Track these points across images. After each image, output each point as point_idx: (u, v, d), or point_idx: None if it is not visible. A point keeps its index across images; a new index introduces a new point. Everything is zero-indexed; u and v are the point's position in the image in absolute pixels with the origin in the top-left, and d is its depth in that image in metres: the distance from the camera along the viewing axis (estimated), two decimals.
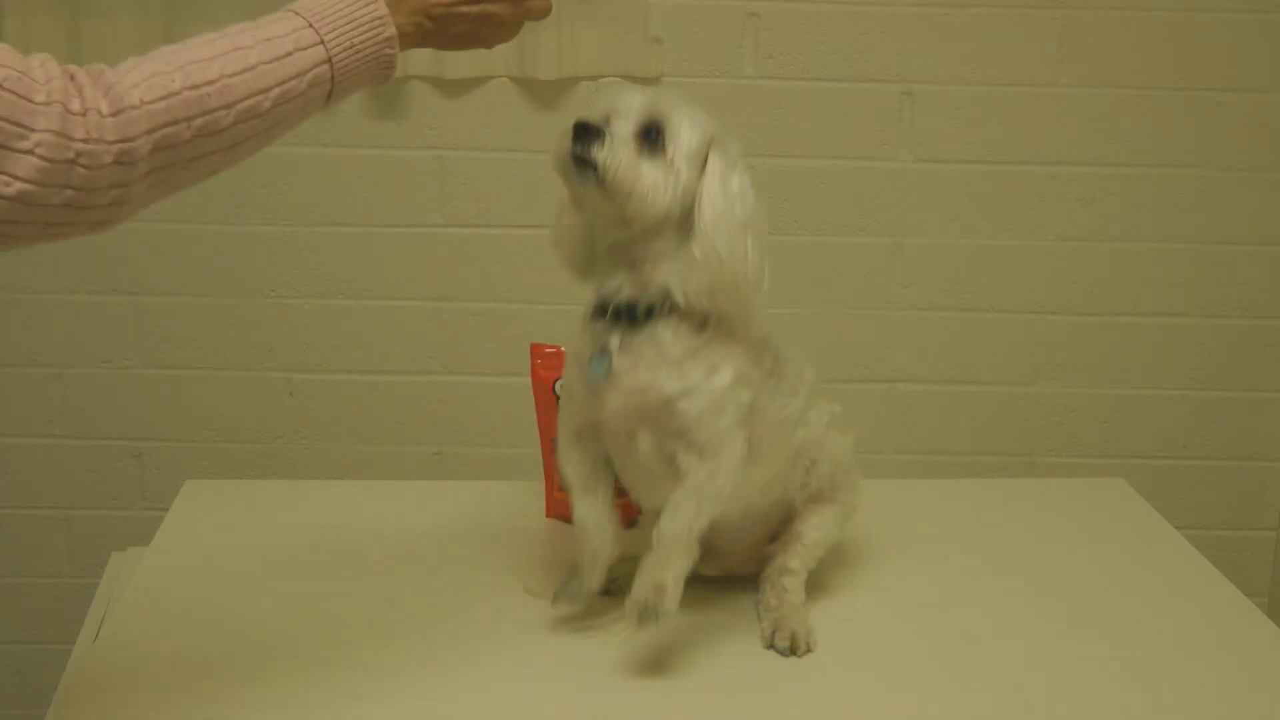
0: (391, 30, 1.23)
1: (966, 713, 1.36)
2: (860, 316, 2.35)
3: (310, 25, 1.19)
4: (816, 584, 1.58)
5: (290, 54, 1.17)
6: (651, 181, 1.33)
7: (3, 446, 2.36)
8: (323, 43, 1.19)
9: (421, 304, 2.32)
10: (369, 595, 1.54)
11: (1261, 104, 2.29)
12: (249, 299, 2.31)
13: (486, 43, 1.34)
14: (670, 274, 1.35)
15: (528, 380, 1.75)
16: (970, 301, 2.35)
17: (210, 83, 1.12)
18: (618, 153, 1.32)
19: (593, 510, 1.45)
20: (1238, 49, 2.26)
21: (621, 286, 1.38)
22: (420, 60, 2.19)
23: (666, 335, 1.36)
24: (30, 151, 1.04)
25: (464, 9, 1.29)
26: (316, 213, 2.28)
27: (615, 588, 1.54)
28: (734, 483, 1.37)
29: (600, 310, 1.39)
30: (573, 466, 1.46)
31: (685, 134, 1.34)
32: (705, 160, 1.34)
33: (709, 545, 1.50)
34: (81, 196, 1.07)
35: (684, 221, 1.34)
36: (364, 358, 2.33)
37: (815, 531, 1.51)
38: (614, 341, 1.37)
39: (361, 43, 1.22)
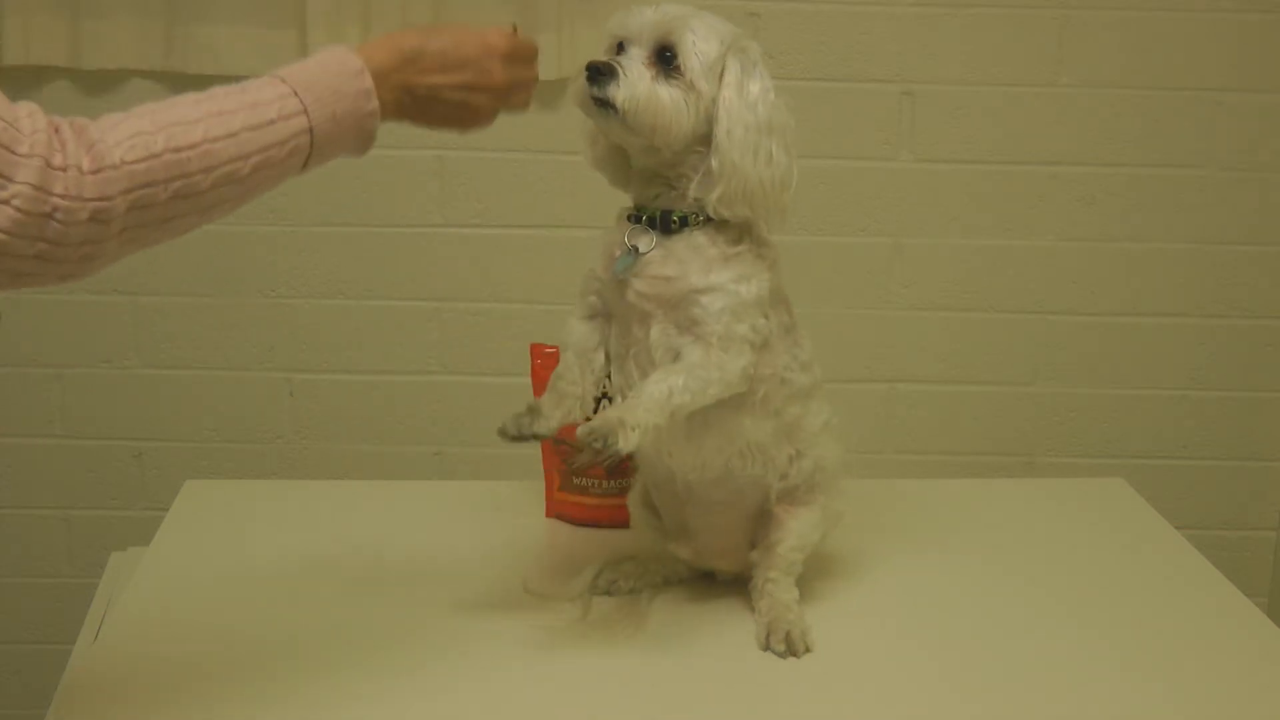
0: (375, 104, 1.24)
1: (967, 713, 1.36)
2: (860, 316, 2.35)
3: (295, 94, 1.18)
4: (816, 584, 1.58)
5: (273, 122, 1.17)
6: (673, 107, 1.34)
7: (3, 446, 2.36)
8: (306, 112, 1.19)
9: (421, 304, 2.32)
10: (369, 595, 1.54)
11: (1261, 104, 2.29)
12: (249, 299, 2.31)
13: (463, 126, 1.35)
14: (700, 187, 1.37)
15: (528, 380, 1.75)
16: (970, 301, 2.35)
17: (192, 146, 1.12)
18: (635, 87, 1.33)
19: (579, 367, 1.44)
20: (1238, 49, 2.26)
21: (659, 196, 1.41)
22: None
23: (701, 239, 1.38)
24: (7, 202, 1.04)
25: (447, 94, 1.30)
26: (316, 213, 2.28)
27: (615, 589, 1.54)
28: (728, 385, 1.35)
29: (635, 217, 1.43)
30: (575, 337, 1.47)
31: (699, 49, 1.34)
32: (723, 70, 1.35)
33: (683, 525, 1.50)
34: (54, 250, 1.07)
35: (710, 135, 1.36)
36: (364, 358, 2.33)
37: (793, 538, 1.50)
38: (645, 242, 1.41)
39: (344, 114, 1.22)
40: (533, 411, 1.41)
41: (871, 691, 1.39)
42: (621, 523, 1.74)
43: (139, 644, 1.44)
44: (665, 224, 1.40)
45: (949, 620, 1.53)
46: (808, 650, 1.44)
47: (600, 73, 1.34)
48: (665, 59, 1.34)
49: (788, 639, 1.44)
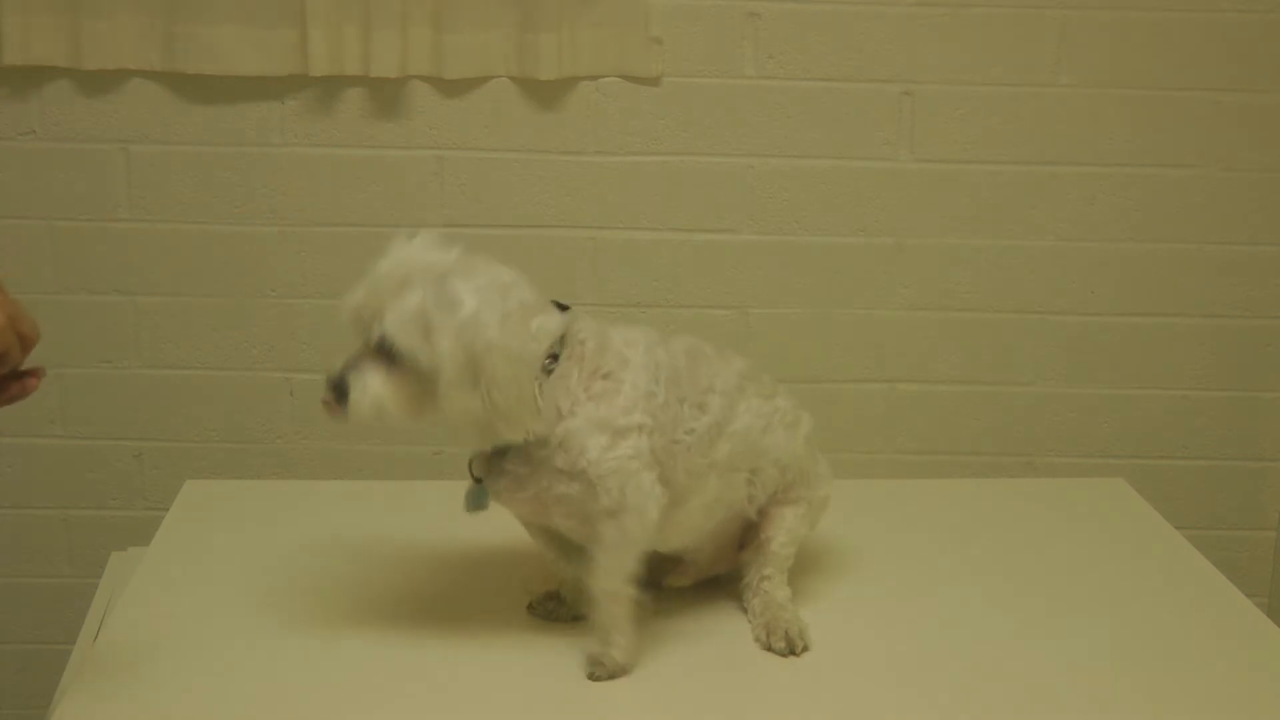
0: None
1: (967, 712, 1.36)
2: (860, 316, 2.35)
3: None
4: (816, 584, 1.59)
5: None
6: (410, 399, 1.30)
7: (3, 446, 2.36)
8: None
9: None
10: (368, 595, 1.54)
11: (1261, 104, 2.29)
12: (249, 299, 2.31)
13: None
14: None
15: None
16: (970, 301, 2.35)
17: None
18: (366, 399, 1.30)
19: (558, 555, 1.48)
20: (1237, 49, 2.26)
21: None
22: (420, 60, 2.19)
23: (531, 448, 1.36)
24: None
25: None
26: (316, 213, 2.28)
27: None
28: (653, 522, 1.36)
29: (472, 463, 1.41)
30: (542, 543, 1.49)
31: (400, 327, 1.29)
32: (428, 324, 1.29)
33: (674, 562, 1.51)
34: None
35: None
36: None
37: (782, 535, 1.51)
38: (484, 476, 1.39)
39: None
40: (555, 599, 1.50)
41: (871, 691, 1.39)
42: None
43: (139, 644, 1.44)
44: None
45: (949, 620, 1.53)
46: (806, 649, 1.44)
47: (339, 389, 1.32)
48: (384, 350, 1.30)
49: (787, 638, 1.44)
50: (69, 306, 2.30)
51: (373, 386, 1.31)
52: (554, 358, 1.36)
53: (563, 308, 1.41)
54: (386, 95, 2.23)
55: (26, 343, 1.26)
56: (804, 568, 1.65)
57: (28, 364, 1.27)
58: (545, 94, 2.25)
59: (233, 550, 1.65)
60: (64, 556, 2.41)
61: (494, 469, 1.39)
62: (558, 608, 1.50)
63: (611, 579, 1.38)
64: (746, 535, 1.53)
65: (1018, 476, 2.39)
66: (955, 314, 2.36)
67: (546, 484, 1.37)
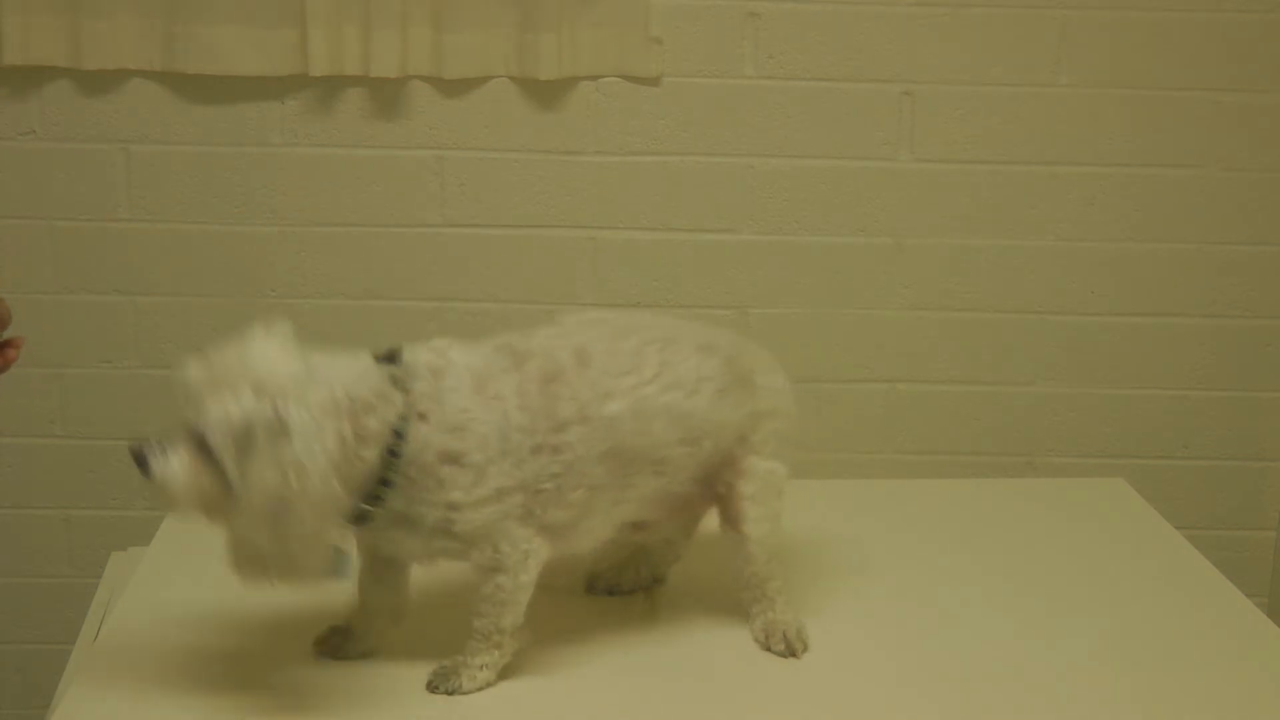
0: None
1: (967, 711, 1.36)
2: (860, 316, 2.35)
3: None
4: (816, 583, 1.59)
5: None
6: (211, 496, 1.27)
7: (3, 446, 2.36)
8: None
9: (421, 304, 2.31)
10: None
11: (1261, 104, 2.29)
12: (249, 299, 2.31)
13: None
14: None
15: None
16: (970, 301, 2.35)
17: None
18: (167, 480, 1.28)
19: (375, 580, 1.45)
20: (1237, 49, 2.26)
21: None
22: (420, 60, 2.19)
23: (392, 509, 1.34)
24: None
25: None
26: (316, 213, 2.28)
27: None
28: (529, 582, 1.36)
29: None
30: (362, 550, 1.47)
31: (219, 427, 1.26)
32: (251, 441, 1.26)
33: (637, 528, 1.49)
34: None
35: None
36: None
37: (752, 509, 1.46)
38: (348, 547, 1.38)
39: None
40: (343, 633, 1.45)
41: (872, 691, 1.39)
42: None
43: (139, 644, 1.44)
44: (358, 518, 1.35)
45: (949, 620, 1.53)
46: (805, 649, 1.44)
47: (140, 461, 1.29)
48: (199, 439, 1.28)
49: (785, 640, 1.44)
50: (69, 306, 2.30)
51: (174, 470, 1.28)
52: (399, 435, 1.32)
53: (393, 357, 1.36)
54: (386, 95, 2.23)
55: (3, 320, 1.34)
56: (804, 567, 1.65)
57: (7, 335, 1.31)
58: (545, 94, 2.25)
59: None
60: (64, 556, 2.41)
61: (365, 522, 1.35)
62: (344, 643, 1.45)
63: (492, 627, 1.37)
64: (723, 516, 1.50)
65: (1018, 476, 2.39)
66: (955, 314, 2.36)
67: (415, 545, 1.36)
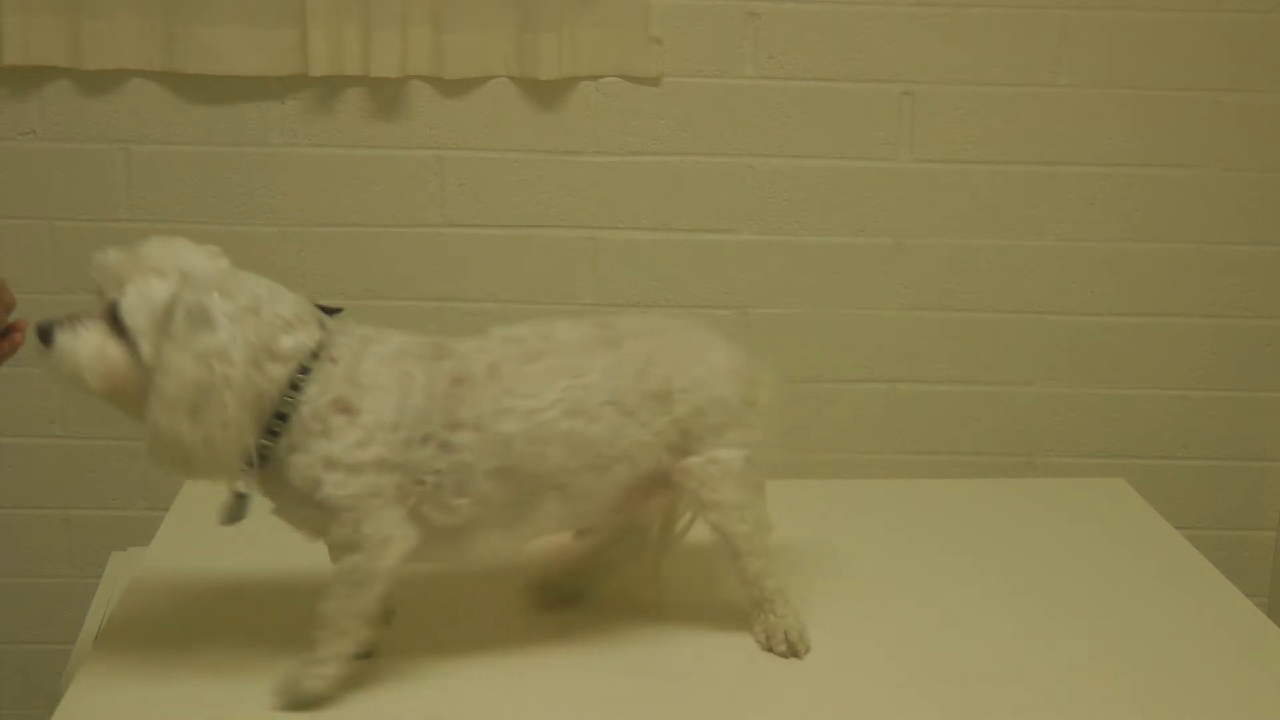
0: None
1: (967, 712, 1.36)
2: (860, 316, 2.35)
3: None
4: (816, 583, 1.58)
5: None
6: (119, 373, 1.26)
7: (3, 446, 2.36)
8: None
9: (421, 304, 2.31)
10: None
11: (1261, 104, 2.29)
12: None
13: None
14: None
15: None
16: (970, 301, 2.35)
17: None
18: (76, 352, 1.27)
19: None
20: (1237, 49, 2.26)
21: None
22: (420, 60, 2.19)
23: (273, 460, 1.31)
24: None
25: None
26: (316, 213, 2.28)
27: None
28: (390, 568, 1.32)
29: None
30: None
31: (138, 306, 1.26)
32: (171, 322, 1.25)
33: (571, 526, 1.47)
34: None
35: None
36: None
37: (718, 510, 1.42)
38: (244, 484, 1.35)
39: None
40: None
41: (872, 691, 1.39)
42: None
43: (139, 644, 1.44)
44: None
45: (949, 620, 1.53)
46: (808, 649, 1.44)
47: (45, 334, 1.29)
48: (113, 319, 1.27)
49: (787, 640, 1.44)
50: (69, 306, 2.29)
51: (84, 346, 1.27)
52: (305, 370, 1.31)
53: (331, 311, 1.37)
54: (386, 95, 2.23)
55: (7, 306, 1.35)
56: (804, 567, 1.65)
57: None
58: (545, 94, 2.25)
59: (233, 550, 1.65)
60: (64, 556, 2.41)
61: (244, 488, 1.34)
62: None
63: (340, 611, 1.33)
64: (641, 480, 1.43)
65: (1018, 476, 2.39)
66: (955, 314, 2.36)
67: (285, 503, 1.34)
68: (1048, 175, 2.31)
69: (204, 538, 1.69)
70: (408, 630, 1.47)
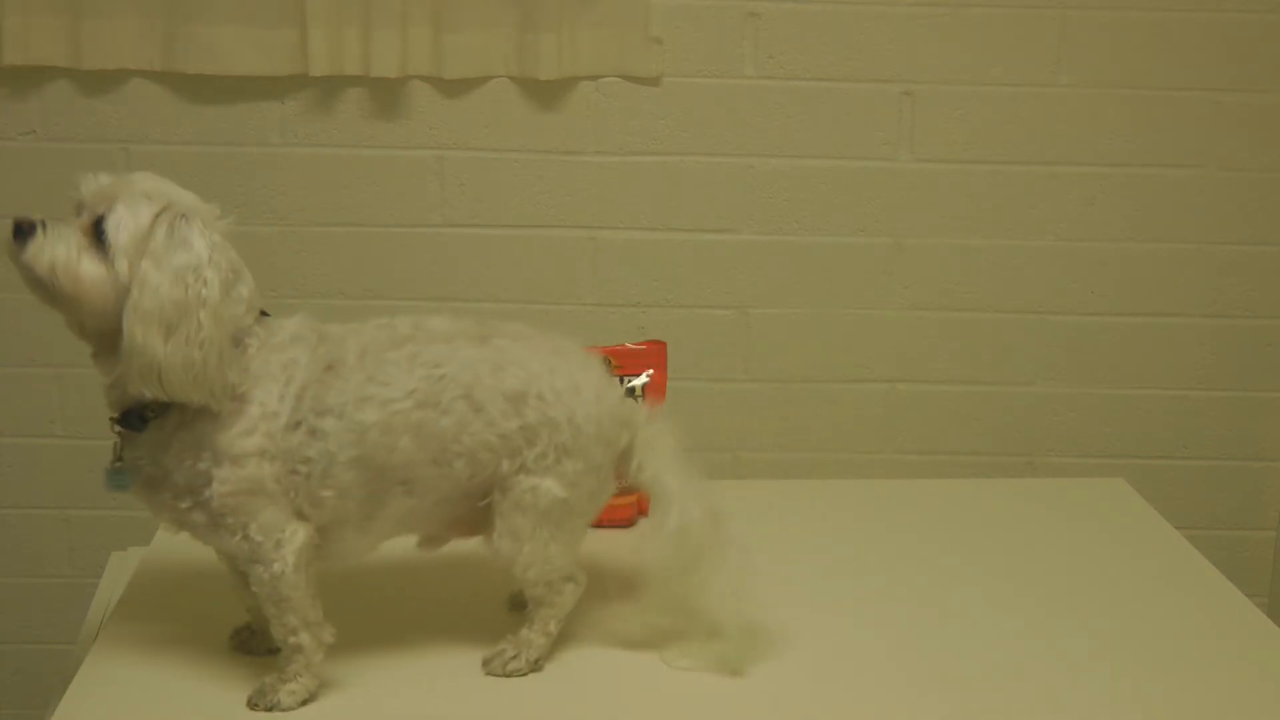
0: None
1: (967, 711, 1.36)
2: (860, 316, 2.35)
3: None
4: (816, 583, 1.58)
5: None
6: (90, 279, 1.26)
7: (3, 446, 2.36)
8: None
9: (421, 304, 2.31)
10: (367, 592, 1.54)
11: (1261, 104, 2.29)
12: None
13: None
14: (110, 366, 1.31)
15: None
16: (970, 301, 2.35)
17: None
18: (53, 250, 1.26)
19: (250, 595, 1.39)
20: (1237, 49, 2.26)
21: (115, 386, 1.33)
22: (420, 60, 2.19)
23: (159, 437, 1.31)
24: None
25: None
26: (316, 213, 2.28)
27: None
28: (289, 572, 1.30)
29: (116, 419, 1.35)
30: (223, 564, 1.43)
31: (124, 222, 1.26)
32: (150, 241, 1.26)
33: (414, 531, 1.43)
34: None
35: None
36: None
37: (502, 525, 1.37)
38: (124, 452, 1.34)
39: None
40: (250, 630, 1.41)
41: (872, 691, 1.39)
42: (622, 522, 1.75)
43: (139, 644, 1.44)
44: (131, 420, 1.32)
45: (949, 620, 1.53)
46: (522, 675, 1.39)
47: (22, 230, 1.27)
48: (99, 230, 1.27)
49: (503, 659, 1.39)
50: None
51: (62, 247, 1.26)
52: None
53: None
54: (386, 95, 2.23)
55: None
56: (805, 567, 1.65)
57: None
58: (545, 94, 2.25)
59: None
60: (64, 556, 2.41)
61: (134, 457, 1.33)
62: (250, 639, 1.42)
63: (283, 629, 1.32)
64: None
65: (1018, 476, 2.39)
66: (955, 314, 2.36)
67: (172, 498, 1.31)
68: (1048, 175, 2.31)
69: None
70: (404, 629, 1.47)
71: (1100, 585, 1.62)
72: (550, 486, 1.35)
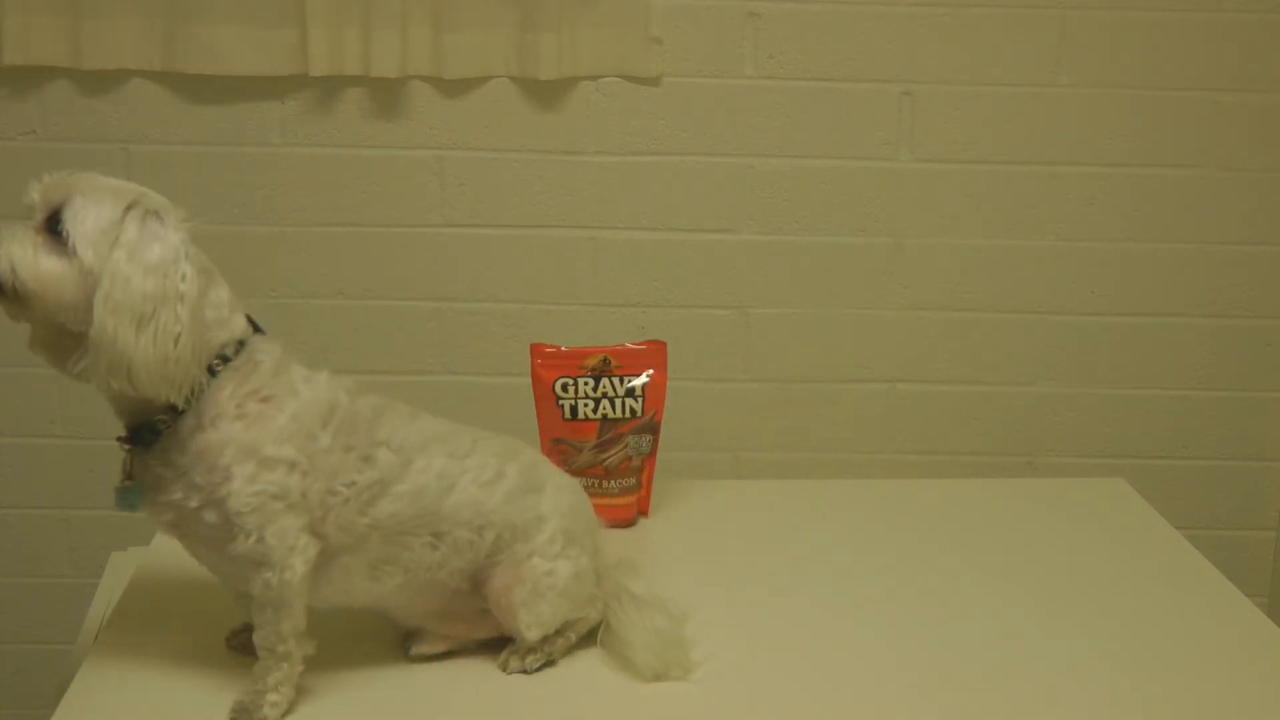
0: None
1: (967, 711, 1.36)
2: (860, 316, 2.35)
3: None
4: (816, 583, 1.58)
5: None
6: (52, 276, 1.23)
7: (3, 446, 2.36)
8: None
9: (421, 304, 2.32)
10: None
11: (1261, 104, 2.29)
12: (249, 299, 2.29)
13: None
14: (77, 361, 1.28)
15: (527, 380, 1.75)
16: (970, 301, 2.35)
17: None
18: (8, 250, 1.23)
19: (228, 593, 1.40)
20: (1237, 49, 2.26)
21: (118, 400, 1.31)
22: (420, 60, 2.19)
23: (172, 453, 1.29)
24: None
25: None
26: (316, 213, 2.28)
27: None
28: (298, 578, 1.29)
29: (123, 438, 1.33)
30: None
31: (84, 214, 1.24)
32: (119, 234, 1.24)
33: (406, 627, 1.43)
34: None
35: None
36: (364, 357, 2.33)
37: (522, 615, 1.39)
38: (133, 467, 1.32)
39: None
40: (248, 632, 1.38)
41: (872, 690, 1.39)
42: (624, 522, 1.75)
43: (139, 644, 1.44)
44: (143, 435, 1.30)
45: (949, 620, 1.53)
46: (528, 672, 1.40)
47: None
48: (54, 226, 1.24)
49: (532, 657, 1.41)
50: None
51: (18, 246, 1.24)
52: (224, 359, 1.30)
53: (255, 329, 1.35)
54: (386, 95, 2.23)
55: None
56: (805, 567, 1.65)
57: None
58: (545, 94, 2.25)
59: None
60: (64, 556, 2.41)
61: (141, 467, 1.31)
62: (248, 640, 1.39)
63: (273, 637, 1.31)
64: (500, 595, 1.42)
65: (1018, 476, 2.39)
66: (955, 314, 2.36)
67: (182, 497, 1.29)
68: (1048, 175, 2.31)
69: None
70: (403, 629, 1.47)
71: (1100, 585, 1.62)
72: (557, 568, 1.41)
